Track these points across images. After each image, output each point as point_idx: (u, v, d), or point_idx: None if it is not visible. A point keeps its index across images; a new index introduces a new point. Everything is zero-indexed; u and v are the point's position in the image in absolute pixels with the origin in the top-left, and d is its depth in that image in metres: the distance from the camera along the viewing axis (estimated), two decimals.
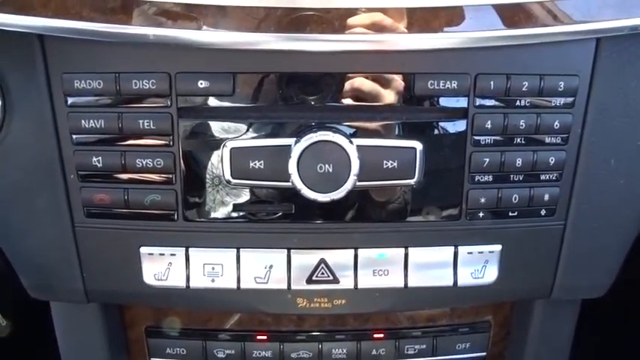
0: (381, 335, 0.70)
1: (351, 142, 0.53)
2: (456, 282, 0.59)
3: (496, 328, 0.72)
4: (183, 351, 0.70)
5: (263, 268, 0.58)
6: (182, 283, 0.58)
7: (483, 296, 0.61)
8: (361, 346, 0.70)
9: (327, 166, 0.53)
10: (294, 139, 0.53)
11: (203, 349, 0.70)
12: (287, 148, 0.53)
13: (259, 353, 0.70)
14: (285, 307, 0.60)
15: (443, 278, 0.59)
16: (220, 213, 0.57)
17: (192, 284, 0.58)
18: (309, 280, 0.58)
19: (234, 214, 0.57)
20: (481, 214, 0.58)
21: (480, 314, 0.71)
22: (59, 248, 0.59)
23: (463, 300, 0.62)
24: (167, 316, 0.70)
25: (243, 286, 0.58)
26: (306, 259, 0.58)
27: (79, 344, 0.70)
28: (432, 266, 0.58)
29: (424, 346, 0.70)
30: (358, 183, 0.54)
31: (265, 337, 0.69)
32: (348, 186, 0.53)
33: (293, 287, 0.58)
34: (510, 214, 0.58)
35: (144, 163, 0.55)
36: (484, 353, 0.73)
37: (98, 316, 0.67)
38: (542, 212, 0.59)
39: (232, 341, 0.70)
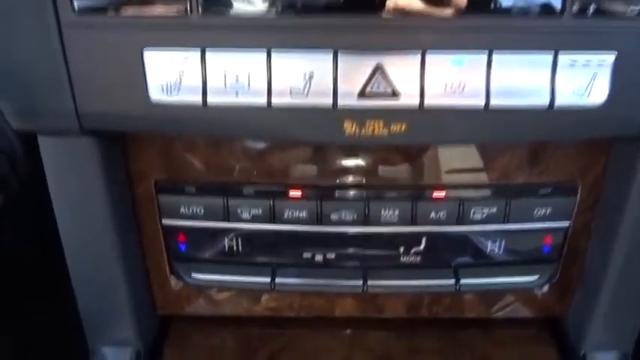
0: (442, 194, 0.57)
1: None
2: (552, 102, 0.45)
3: (584, 192, 0.58)
4: (200, 210, 0.58)
5: (302, 78, 0.44)
6: (197, 98, 0.45)
7: (584, 127, 0.47)
8: (417, 207, 0.57)
9: None
10: None
11: (224, 208, 0.58)
12: None
13: (291, 213, 0.57)
14: (329, 133, 0.46)
15: (536, 96, 0.44)
16: (247, 2, 0.44)
17: (211, 99, 0.45)
18: (362, 94, 0.44)
19: (265, 4, 0.43)
20: (591, 10, 0.43)
21: (566, 172, 0.57)
22: (42, 57, 0.46)
23: (558, 130, 0.48)
24: (181, 167, 0.57)
25: (275, 101, 0.45)
26: (357, 65, 0.44)
27: (76, 202, 0.58)
28: (522, 79, 0.44)
29: (494, 210, 0.57)
30: None
31: (299, 194, 0.57)
32: None
33: (340, 103, 0.45)
34: (628, 12, 0.44)
35: None
36: (567, 223, 0.59)
37: (98, 164, 0.55)
38: None
39: (259, 198, 0.57)
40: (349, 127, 0.46)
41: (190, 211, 0.59)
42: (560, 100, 0.45)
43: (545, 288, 0.65)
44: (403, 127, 0.46)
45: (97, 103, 0.47)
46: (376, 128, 0.46)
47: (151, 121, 0.48)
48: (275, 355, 0.66)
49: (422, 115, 0.45)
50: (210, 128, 0.48)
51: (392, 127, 0.46)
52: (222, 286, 0.63)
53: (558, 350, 0.66)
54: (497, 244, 0.60)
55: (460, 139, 0.47)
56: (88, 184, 0.56)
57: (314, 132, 0.47)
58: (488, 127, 0.46)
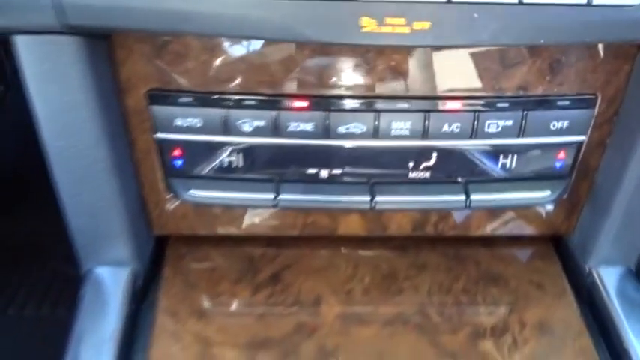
0: (457, 105, 0.54)
1: None
2: None
3: (603, 105, 0.56)
4: (198, 123, 0.54)
5: None
6: None
7: (623, 27, 0.44)
8: (430, 118, 0.54)
9: None
10: None
11: (223, 120, 0.54)
12: None
13: (297, 126, 0.54)
14: (343, 30, 0.42)
15: None
16: None
17: None
18: None
19: None
20: None
21: (586, 83, 0.54)
22: None
23: (595, 31, 0.44)
24: (175, 75, 0.52)
25: None
26: None
27: (60, 114, 0.52)
28: None
29: (510, 123, 0.54)
30: None
31: (306, 104, 0.54)
32: None
33: None
34: None
35: None
36: (583, 137, 0.57)
37: (84, 70, 0.50)
38: None
39: (262, 109, 0.53)
40: (366, 25, 0.42)
41: (186, 123, 0.55)
42: None
43: (552, 206, 0.64)
44: (427, 25, 0.42)
45: None
46: (396, 27, 0.42)
47: (139, 14, 0.43)
48: (278, 273, 0.64)
49: (448, 12, 0.41)
50: (204, 25, 0.43)
51: (414, 26, 0.42)
52: (222, 204, 0.60)
53: (563, 266, 0.67)
54: (510, 159, 0.57)
55: (489, 41, 0.43)
56: (73, 94, 0.51)
57: (326, 29, 0.42)
58: (522, 26, 0.43)
